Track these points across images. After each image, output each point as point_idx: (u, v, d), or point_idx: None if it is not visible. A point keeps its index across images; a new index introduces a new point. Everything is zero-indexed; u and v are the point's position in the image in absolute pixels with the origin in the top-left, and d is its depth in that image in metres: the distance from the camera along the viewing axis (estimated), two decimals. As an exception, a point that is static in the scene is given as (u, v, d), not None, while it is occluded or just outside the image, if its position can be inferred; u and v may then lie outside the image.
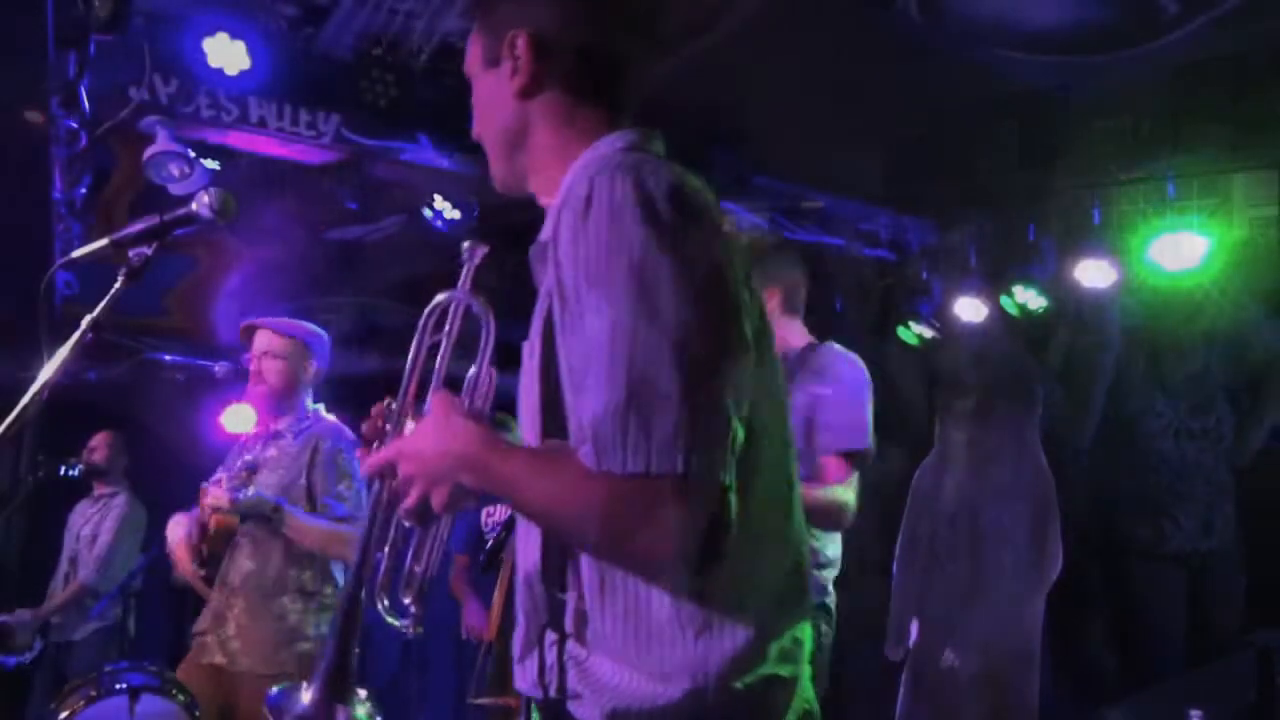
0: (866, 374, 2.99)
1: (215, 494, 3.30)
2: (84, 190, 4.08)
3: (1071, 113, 4.42)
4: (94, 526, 5.58)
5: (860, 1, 3.83)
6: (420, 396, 1.41)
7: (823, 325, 3.52)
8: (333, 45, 4.20)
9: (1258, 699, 3.14)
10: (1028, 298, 5.03)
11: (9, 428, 1.31)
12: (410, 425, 1.41)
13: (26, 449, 6.17)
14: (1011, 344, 5.23)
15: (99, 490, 5.73)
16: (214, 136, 4.19)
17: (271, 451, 3.57)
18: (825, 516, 2.82)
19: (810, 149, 5.01)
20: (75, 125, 3.51)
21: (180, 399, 6.18)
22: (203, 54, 3.87)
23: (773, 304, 3.02)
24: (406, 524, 1.36)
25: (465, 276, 1.47)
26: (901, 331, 5.41)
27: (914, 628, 5.24)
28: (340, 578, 3.44)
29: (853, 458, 2.86)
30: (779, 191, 5.30)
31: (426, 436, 1.26)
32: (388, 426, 1.43)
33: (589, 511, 1.12)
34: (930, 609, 5.21)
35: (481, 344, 1.44)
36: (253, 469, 3.39)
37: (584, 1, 1.39)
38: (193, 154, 3.85)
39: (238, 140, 4.24)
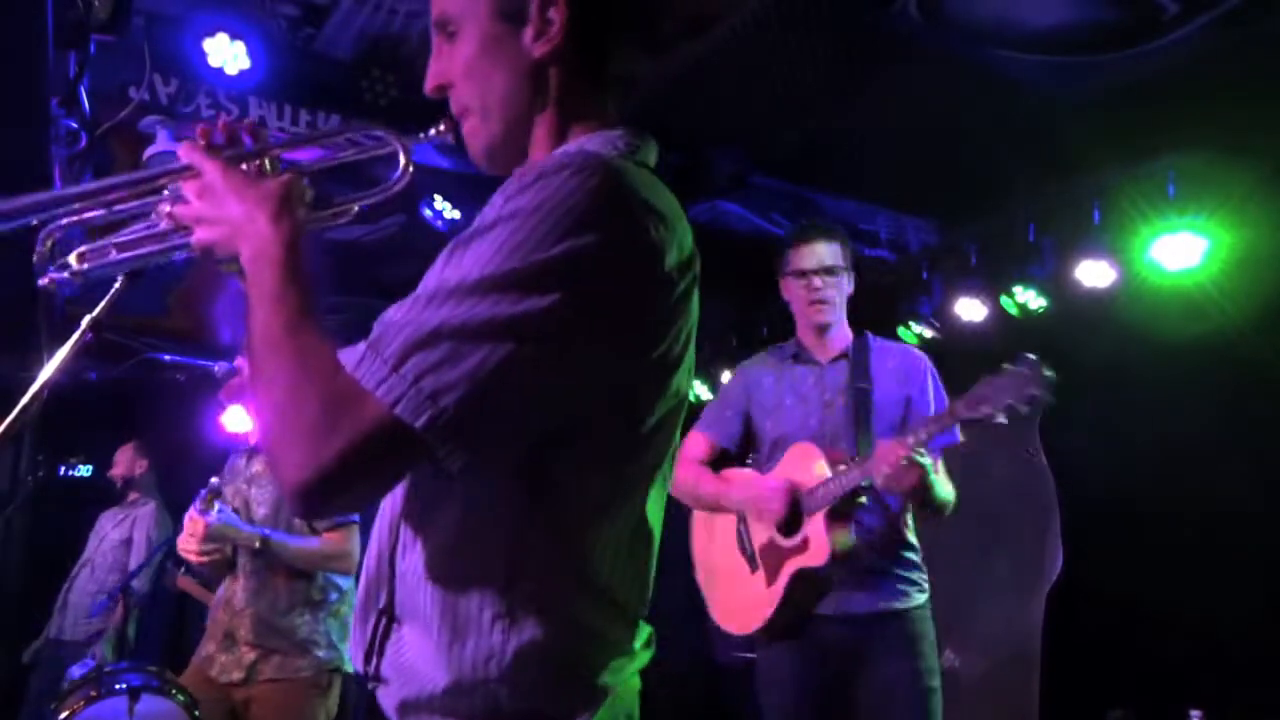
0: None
1: (189, 529, 3.32)
2: (84, 190, 4.07)
3: (1071, 113, 4.42)
4: (123, 532, 5.60)
5: (860, 1, 3.83)
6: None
7: None
8: (333, 45, 4.21)
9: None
10: (1028, 298, 5.03)
11: (9, 428, 1.31)
12: None
13: (26, 449, 6.18)
14: (1011, 344, 5.23)
15: (131, 496, 5.76)
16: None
17: (257, 466, 3.60)
18: (948, 508, 2.89)
19: (810, 148, 5.01)
20: (75, 125, 3.50)
21: (180, 399, 6.19)
22: (203, 54, 3.87)
23: (844, 293, 3.16)
24: (162, 220, 1.24)
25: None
26: (901, 331, 5.41)
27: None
28: (340, 582, 3.45)
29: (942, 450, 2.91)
30: (779, 191, 5.30)
31: (251, 185, 1.17)
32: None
33: (303, 383, 1.01)
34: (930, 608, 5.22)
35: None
36: (217, 491, 3.39)
37: None
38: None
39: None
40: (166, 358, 4.08)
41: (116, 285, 1.37)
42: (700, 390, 7.22)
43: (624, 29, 1.29)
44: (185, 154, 1.21)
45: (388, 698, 1.14)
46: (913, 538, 3.00)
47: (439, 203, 4.57)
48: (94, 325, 1.38)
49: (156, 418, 6.24)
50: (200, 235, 1.18)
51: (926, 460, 2.70)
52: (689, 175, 4.96)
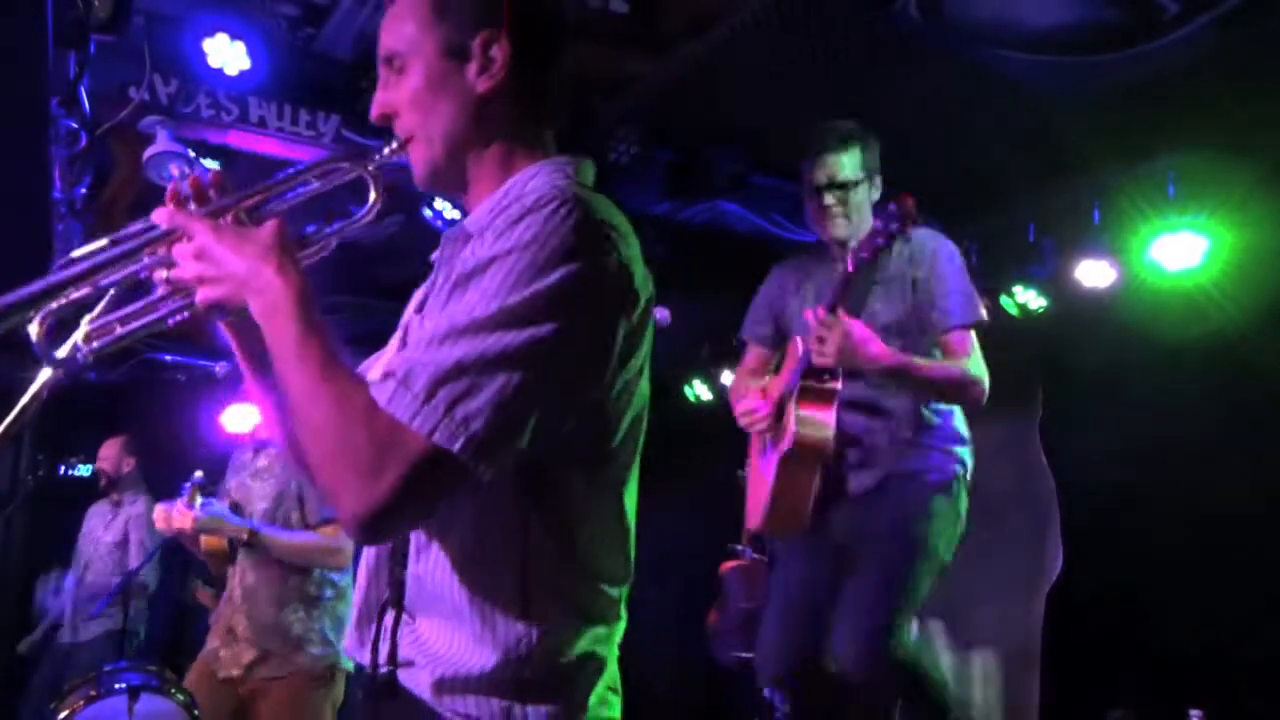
0: (955, 247, 3.10)
1: (177, 518, 3.37)
2: (84, 190, 4.08)
3: (1071, 113, 4.42)
4: (117, 533, 5.57)
5: (860, 1, 3.83)
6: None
7: None
8: (332, 45, 4.21)
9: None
10: (1028, 298, 5.03)
11: (9, 428, 1.31)
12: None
13: (26, 449, 6.18)
14: (1012, 344, 5.23)
15: (116, 495, 5.72)
16: (214, 136, 4.19)
17: (262, 461, 3.61)
18: (961, 389, 2.91)
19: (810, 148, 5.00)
20: (75, 125, 3.50)
21: (180, 399, 6.19)
22: (203, 54, 3.87)
23: (864, 203, 3.12)
24: (159, 286, 1.28)
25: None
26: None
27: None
28: (335, 579, 3.46)
29: (972, 329, 2.97)
30: (779, 191, 5.30)
31: (246, 238, 1.21)
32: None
33: (347, 429, 1.11)
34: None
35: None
36: (201, 485, 3.44)
37: (546, 23, 1.40)
38: (193, 154, 3.86)
39: (238, 140, 4.25)
40: (166, 358, 4.10)
41: (116, 287, 1.37)
42: (700, 390, 7.23)
43: (560, 63, 1.41)
44: (166, 219, 1.24)
45: (418, 678, 1.25)
46: (935, 418, 2.97)
47: (439, 202, 4.57)
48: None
49: (156, 418, 6.24)
50: (205, 295, 1.23)
51: (843, 323, 2.71)
52: (689, 175, 4.95)
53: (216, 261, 1.21)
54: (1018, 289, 5.01)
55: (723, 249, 5.55)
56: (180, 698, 3.62)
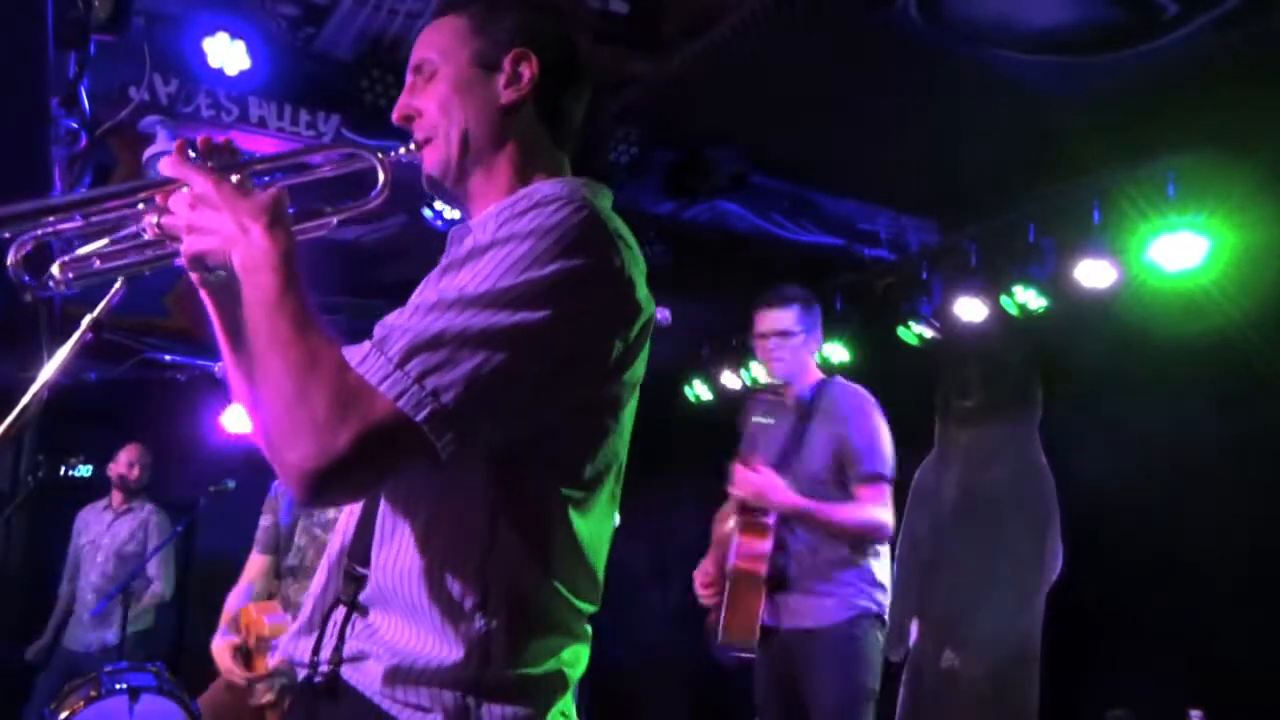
0: (874, 403, 3.54)
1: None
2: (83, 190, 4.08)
3: (1071, 113, 4.42)
4: (131, 539, 5.55)
5: (860, 1, 3.83)
6: None
7: (823, 325, 3.65)
8: (333, 45, 4.21)
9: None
10: (1028, 298, 5.02)
11: (9, 428, 1.31)
12: None
13: (26, 449, 6.18)
14: (1012, 344, 5.23)
15: (125, 501, 5.68)
16: (214, 136, 4.18)
17: (331, 512, 3.55)
18: (867, 531, 3.35)
19: (810, 148, 5.01)
20: (75, 125, 3.50)
21: (180, 399, 6.19)
22: (203, 54, 3.87)
23: (815, 346, 3.65)
24: (147, 231, 1.29)
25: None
26: (901, 331, 5.41)
27: (914, 628, 5.25)
28: None
29: (879, 480, 3.38)
30: (779, 191, 5.30)
31: (243, 196, 1.21)
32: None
33: (312, 379, 1.08)
34: (930, 609, 5.22)
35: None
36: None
37: (576, 48, 1.46)
38: (193, 154, 3.85)
39: (238, 140, 4.24)
40: (166, 358, 4.09)
41: (116, 286, 1.38)
42: (700, 390, 7.23)
43: (580, 92, 1.46)
44: (172, 168, 1.25)
45: (367, 671, 1.21)
46: (854, 554, 3.37)
47: (439, 203, 4.57)
48: (94, 325, 1.38)
49: (156, 418, 6.24)
50: (192, 245, 1.23)
51: (761, 476, 3.33)
52: (689, 175, 4.96)
53: (209, 213, 1.21)
54: (1018, 289, 5.01)
55: (723, 249, 5.55)
56: (180, 698, 3.62)
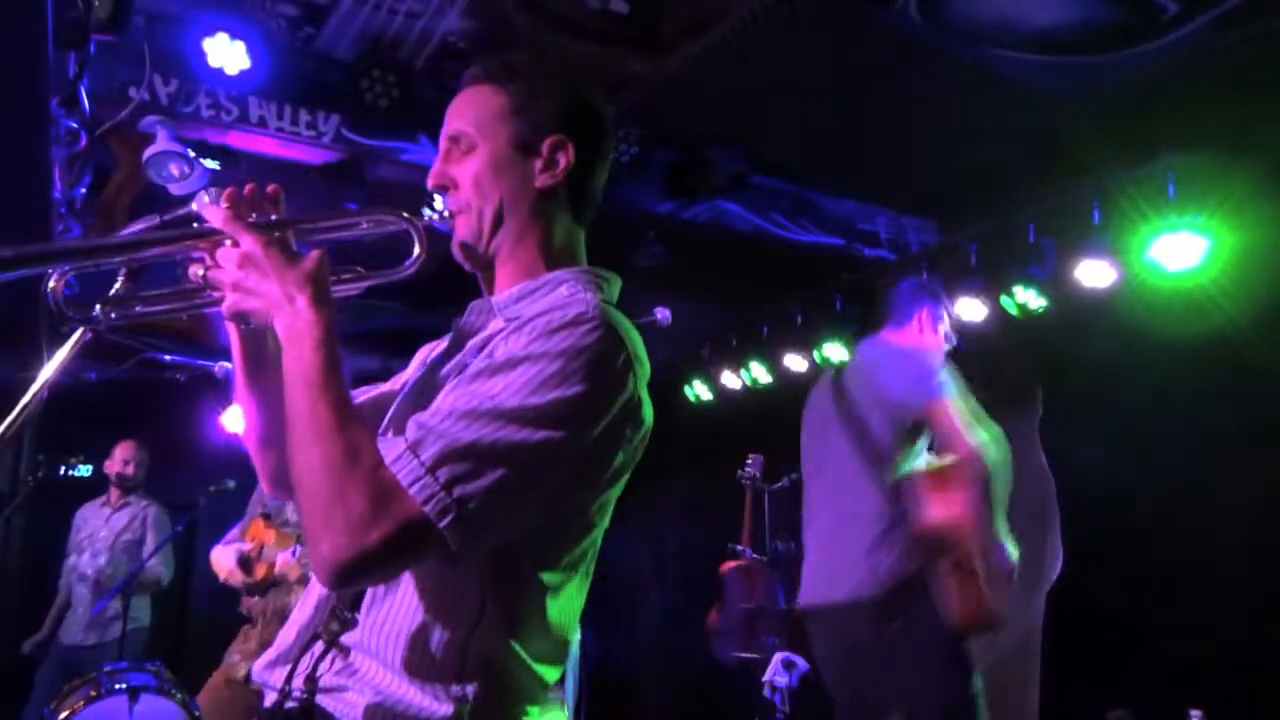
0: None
1: (287, 562, 3.58)
2: (84, 190, 4.08)
3: (1071, 113, 4.42)
4: (131, 532, 5.58)
5: (860, 1, 3.83)
6: None
7: (823, 325, 3.63)
8: (333, 45, 4.21)
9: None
10: (1028, 298, 5.02)
11: (9, 428, 1.31)
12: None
13: (26, 449, 6.18)
14: (1012, 344, 5.23)
15: (123, 496, 5.71)
16: (214, 136, 4.19)
17: None
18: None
19: (810, 148, 5.01)
20: (75, 125, 3.50)
21: (180, 399, 6.18)
22: (203, 54, 3.87)
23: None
24: (192, 278, 1.34)
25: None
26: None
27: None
28: None
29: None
30: (779, 191, 5.30)
31: (290, 261, 1.27)
32: None
33: (351, 478, 1.15)
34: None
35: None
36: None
37: (604, 139, 1.52)
38: (193, 154, 3.86)
39: (238, 140, 4.25)
40: (166, 358, 4.09)
41: (117, 286, 1.37)
42: (700, 390, 7.23)
43: (605, 169, 1.53)
44: (224, 223, 1.29)
45: (348, 701, 1.28)
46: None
47: (438, 202, 4.57)
48: (94, 325, 1.38)
49: (156, 418, 6.24)
50: (236, 303, 1.28)
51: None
52: (689, 175, 4.95)
53: (258, 275, 1.26)
54: (1018, 289, 5.01)
55: (722, 249, 5.55)
56: (180, 698, 3.62)
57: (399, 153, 4.35)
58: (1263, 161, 4.19)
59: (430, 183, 1.48)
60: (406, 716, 1.25)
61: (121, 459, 5.70)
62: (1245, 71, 3.99)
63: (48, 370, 1.33)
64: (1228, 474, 4.36)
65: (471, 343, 1.39)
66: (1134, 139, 4.39)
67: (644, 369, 1.34)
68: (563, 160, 1.45)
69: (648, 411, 1.36)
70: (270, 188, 1.37)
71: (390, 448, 1.19)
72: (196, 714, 3.53)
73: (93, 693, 3.66)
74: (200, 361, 4.02)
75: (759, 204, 5.23)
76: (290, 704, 1.30)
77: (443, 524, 1.15)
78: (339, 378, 1.22)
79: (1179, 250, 4.43)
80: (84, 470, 6.38)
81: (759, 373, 6.48)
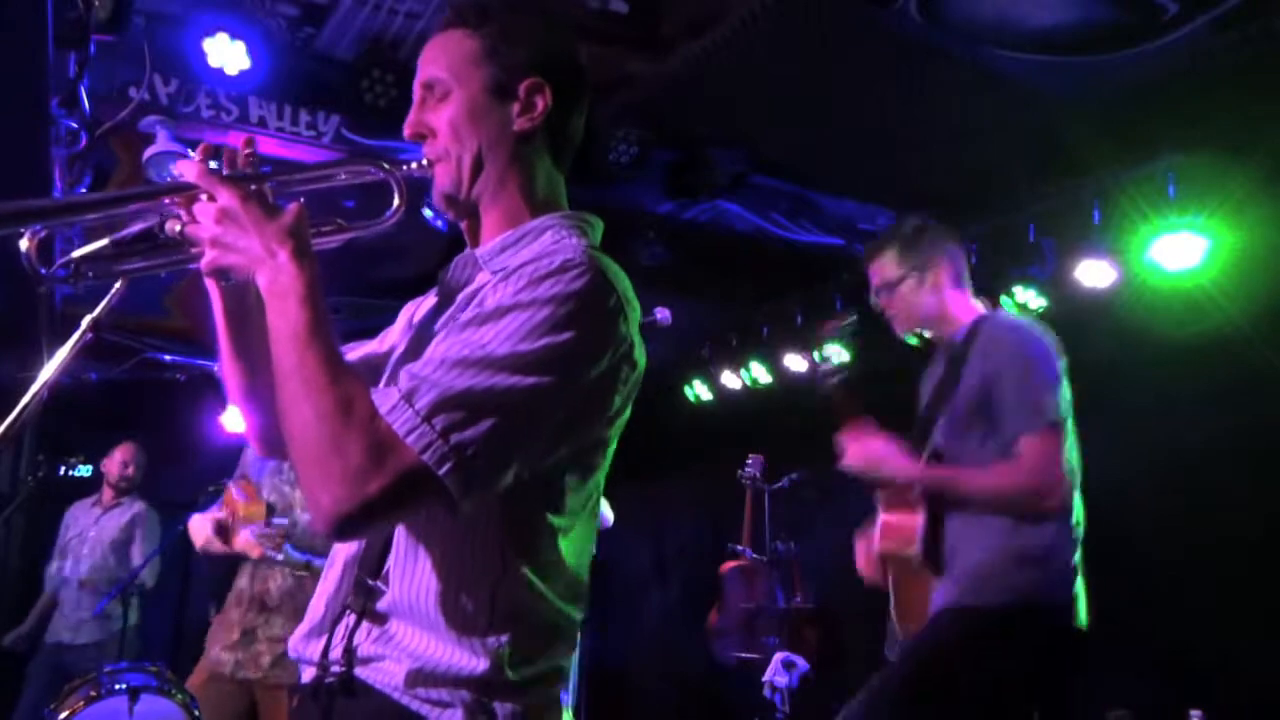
0: (1034, 341, 2.97)
1: (247, 540, 3.52)
2: (84, 190, 4.08)
3: (1071, 113, 4.42)
4: (120, 532, 5.58)
5: (860, 1, 3.83)
6: None
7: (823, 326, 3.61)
8: (333, 45, 4.21)
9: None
10: (1028, 298, 5.02)
11: (9, 428, 1.31)
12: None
13: (26, 449, 6.18)
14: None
15: (115, 497, 5.71)
16: (214, 136, 4.19)
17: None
18: (1014, 495, 2.73)
19: (810, 148, 5.01)
20: (75, 125, 3.51)
21: (180, 399, 6.19)
22: (203, 54, 3.87)
23: (944, 278, 3.10)
24: (167, 232, 1.32)
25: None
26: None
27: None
28: None
29: (1035, 431, 2.76)
30: (779, 191, 5.30)
31: (269, 215, 1.25)
32: None
33: (347, 429, 1.15)
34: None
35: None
36: (286, 533, 3.55)
37: (580, 80, 1.50)
38: (192, 154, 3.86)
39: (238, 141, 4.24)
40: (166, 358, 4.10)
41: (117, 286, 1.38)
42: (700, 390, 7.23)
43: (583, 110, 1.51)
44: (199, 177, 1.28)
45: (387, 670, 1.28)
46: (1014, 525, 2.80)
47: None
48: (94, 325, 1.38)
49: (156, 418, 6.24)
50: (215, 258, 1.27)
51: (873, 442, 2.81)
52: (689, 175, 4.95)
53: (236, 229, 1.24)
54: (1018, 289, 5.01)
55: (722, 249, 5.55)
56: (180, 698, 3.62)
57: (399, 153, 4.35)
58: (1263, 161, 4.19)
59: (406, 132, 1.46)
60: (447, 677, 1.26)
61: (121, 460, 5.70)
62: (1245, 71, 3.99)
63: (48, 370, 1.33)
64: (1228, 474, 4.35)
65: (460, 296, 1.38)
66: (1134, 139, 4.39)
67: (635, 311, 1.34)
68: (540, 103, 1.43)
69: (640, 354, 1.36)
70: (243, 140, 1.37)
71: (384, 398, 1.18)
72: (197, 714, 3.53)
73: (93, 693, 3.66)
74: (200, 361, 4.03)
75: (759, 204, 5.23)
76: (329, 679, 1.31)
77: (441, 471, 1.16)
78: (326, 331, 1.21)
79: (1179, 250, 4.43)
80: (84, 470, 6.39)
81: (759, 373, 6.49)
